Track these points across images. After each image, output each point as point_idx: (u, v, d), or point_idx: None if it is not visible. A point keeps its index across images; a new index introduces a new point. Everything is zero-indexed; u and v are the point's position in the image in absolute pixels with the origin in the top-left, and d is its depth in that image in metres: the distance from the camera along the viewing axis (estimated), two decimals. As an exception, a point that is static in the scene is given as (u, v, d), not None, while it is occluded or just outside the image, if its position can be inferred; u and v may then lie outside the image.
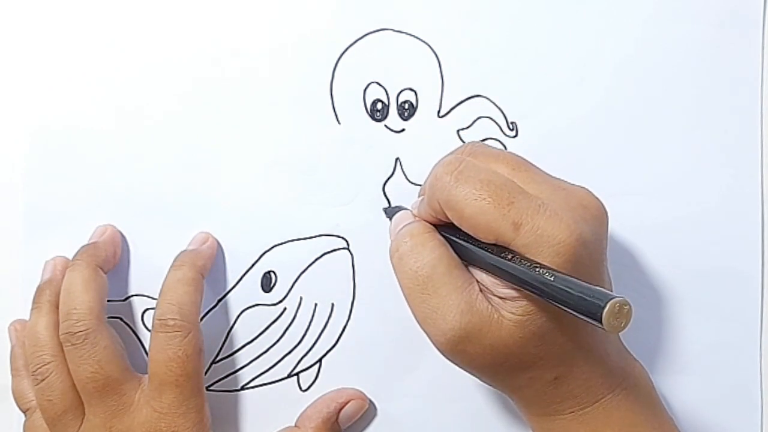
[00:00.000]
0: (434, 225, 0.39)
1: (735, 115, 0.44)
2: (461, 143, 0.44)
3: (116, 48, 0.45)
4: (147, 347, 0.44)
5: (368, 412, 0.44)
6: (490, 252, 0.36)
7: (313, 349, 0.45)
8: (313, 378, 0.45)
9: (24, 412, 0.43)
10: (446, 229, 0.39)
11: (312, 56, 0.44)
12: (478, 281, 0.37)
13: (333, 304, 0.44)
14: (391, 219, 0.42)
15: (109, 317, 0.43)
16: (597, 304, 0.32)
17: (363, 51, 0.44)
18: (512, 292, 0.36)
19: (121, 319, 0.45)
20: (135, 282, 0.45)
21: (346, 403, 0.44)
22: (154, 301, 0.42)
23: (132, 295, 0.45)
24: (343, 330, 0.45)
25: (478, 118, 0.44)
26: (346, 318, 0.44)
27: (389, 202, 0.44)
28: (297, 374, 0.45)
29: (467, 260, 0.38)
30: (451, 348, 0.37)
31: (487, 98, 0.44)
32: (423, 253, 0.37)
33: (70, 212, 0.45)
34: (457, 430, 0.44)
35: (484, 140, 0.44)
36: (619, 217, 0.44)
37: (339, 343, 0.45)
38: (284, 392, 0.45)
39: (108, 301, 0.43)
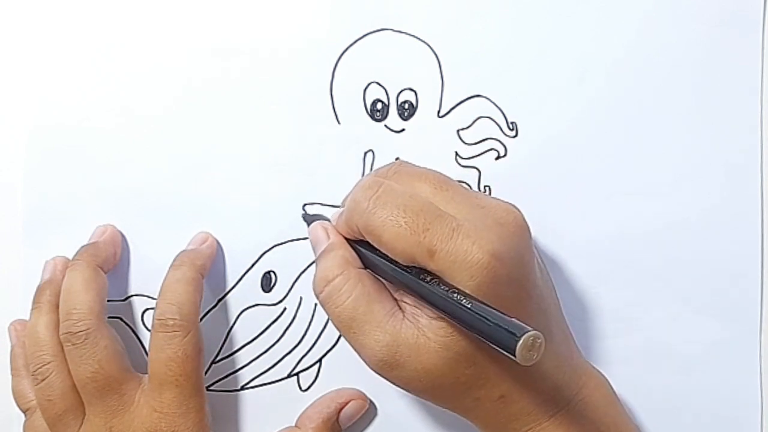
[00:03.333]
0: (355, 240, 0.39)
1: (735, 115, 0.44)
2: (461, 143, 0.44)
3: (116, 48, 0.45)
4: (147, 347, 0.44)
5: (368, 412, 0.44)
6: (409, 274, 0.37)
7: (313, 349, 0.45)
8: (313, 378, 0.45)
9: (24, 412, 0.43)
10: (369, 247, 0.39)
11: (312, 56, 0.44)
12: (407, 302, 0.38)
13: (333, 304, 0.44)
14: (308, 224, 0.42)
15: (109, 317, 0.43)
16: (511, 337, 0.32)
17: (363, 51, 0.44)
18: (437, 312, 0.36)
19: (121, 319, 0.45)
20: (135, 282, 0.45)
21: (346, 403, 0.44)
22: (154, 301, 0.42)
23: (132, 295, 0.45)
24: (343, 330, 0.45)
25: (478, 118, 0.44)
26: (346, 318, 0.44)
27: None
28: (297, 374, 0.45)
29: (390, 281, 0.38)
30: (386, 375, 0.38)
31: (487, 98, 0.44)
32: (341, 297, 0.38)
33: (70, 212, 0.45)
34: (456, 430, 0.44)
35: (484, 140, 0.44)
36: (619, 217, 0.44)
37: (339, 343, 0.45)
38: (284, 392, 0.45)
39: (108, 301, 0.43)
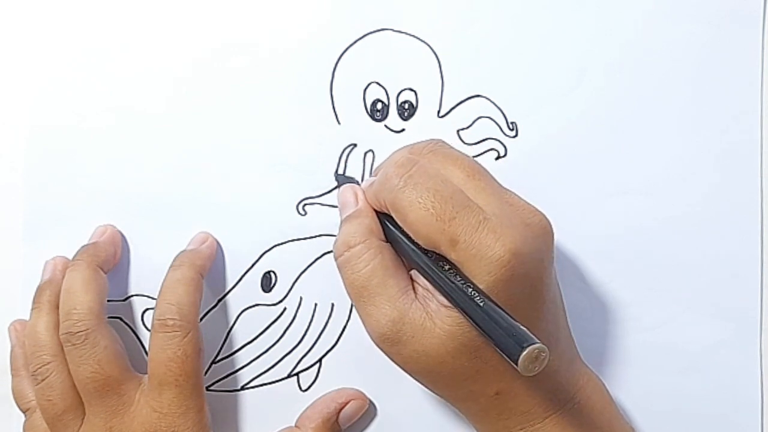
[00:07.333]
0: (381, 213, 0.40)
1: (735, 114, 0.44)
2: (461, 143, 0.44)
3: (116, 47, 0.45)
4: (147, 347, 0.44)
5: (368, 412, 0.44)
6: (428, 258, 0.37)
7: (313, 349, 0.45)
8: (313, 378, 0.45)
9: (24, 412, 0.43)
10: (394, 222, 0.39)
11: (312, 56, 0.44)
12: (420, 284, 0.38)
13: (333, 304, 0.44)
14: (339, 185, 0.43)
15: (109, 317, 0.43)
16: (517, 346, 0.32)
17: (363, 51, 0.44)
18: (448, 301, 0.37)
19: (121, 319, 0.45)
20: (135, 282, 0.45)
21: (346, 403, 0.44)
22: (154, 301, 0.42)
23: (132, 295, 0.45)
24: (343, 330, 0.45)
25: (478, 118, 0.44)
26: (346, 318, 0.44)
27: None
28: (297, 374, 0.45)
29: (408, 261, 0.38)
30: (384, 349, 0.38)
31: (487, 98, 0.44)
32: (359, 264, 0.38)
33: (70, 212, 0.45)
34: (456, 430, 0.44)
35: (484, 140, 0.44)
36: (619, 217, 0.44)
37: (339, 343, 0.45)
38: (284, 392, 0.45)
39: (108, 301, 0.43)
